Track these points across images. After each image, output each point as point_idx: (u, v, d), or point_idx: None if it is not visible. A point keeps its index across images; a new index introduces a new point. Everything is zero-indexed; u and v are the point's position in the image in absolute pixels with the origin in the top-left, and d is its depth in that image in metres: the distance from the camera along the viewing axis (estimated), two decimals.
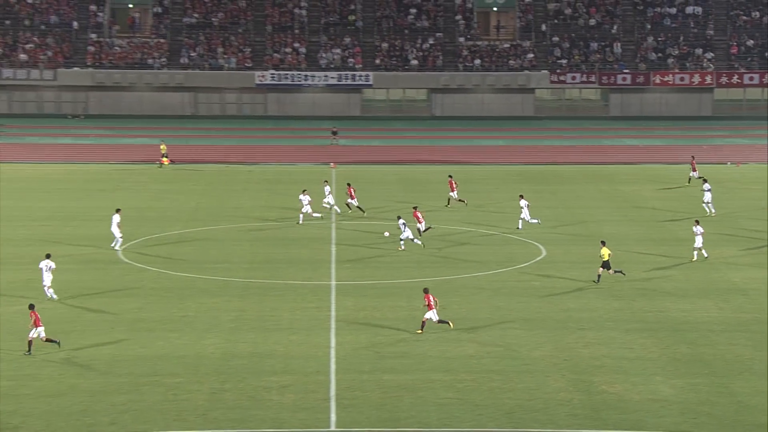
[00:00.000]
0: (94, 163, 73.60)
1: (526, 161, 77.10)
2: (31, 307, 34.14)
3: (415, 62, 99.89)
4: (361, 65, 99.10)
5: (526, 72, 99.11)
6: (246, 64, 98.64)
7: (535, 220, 53.03)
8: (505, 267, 45.97)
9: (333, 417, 29.46)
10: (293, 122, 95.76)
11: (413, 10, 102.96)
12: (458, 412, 29.77)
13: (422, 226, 49.95)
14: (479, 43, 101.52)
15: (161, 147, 72.64)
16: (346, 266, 45.85)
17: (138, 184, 65.67)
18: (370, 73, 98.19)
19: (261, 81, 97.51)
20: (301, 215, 53.73)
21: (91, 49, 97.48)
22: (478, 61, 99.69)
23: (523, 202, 52.91)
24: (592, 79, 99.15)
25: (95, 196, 61.20)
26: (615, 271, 42.92)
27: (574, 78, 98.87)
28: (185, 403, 30.11)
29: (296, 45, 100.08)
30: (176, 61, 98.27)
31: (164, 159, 71.79)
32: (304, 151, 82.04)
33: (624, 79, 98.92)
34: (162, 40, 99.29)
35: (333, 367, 33.20)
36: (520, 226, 52.73)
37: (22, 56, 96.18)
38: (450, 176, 60.80)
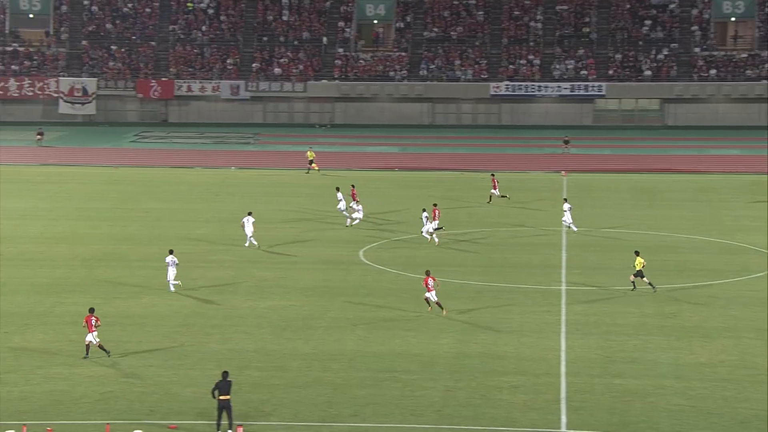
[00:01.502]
0: (339, 170, 75.57)
1: (763, 171, 73.68)
2: (91, 311, 33.69)
3: (648, 73, 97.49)
4: (594, 76, 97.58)
5: (765, 81, 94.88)
6: (482, 76, 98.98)
7: (575, 228, 52.03)
8: (740, 276, 44.14)
9: (564, 419, 29.12)
10: (526, 131, 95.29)
11: (648, 22, 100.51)
12: (690, 419, 28.83)
13: (435, 224, 50.19)
14: (715, 53, 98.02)
15: (309, 154, 73.45)
16: (576, 272, 45.22)
17: (378, 189, 66.99)
18: (603, 84, 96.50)
19: (496, 92, 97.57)
20: (349, 219, 53.68)
21: (338, 62, 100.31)
22: (713, 71, 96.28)
23: (566, 206, 52.61)
24: None
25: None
26: (649, 282, 41.02)
27: None
28: (421, 399, 30.50)
29: (531, 57, 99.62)
30: (416, 73, 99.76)
31: (312, 165, 72.64)
32: (536, 159, 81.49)
33: None
34: (403, 54, 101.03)
35: (563, 369, 32.83)
36: (570, 228, 52.19)
37: (277, 70, 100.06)
38: (492, 174, 61.86)
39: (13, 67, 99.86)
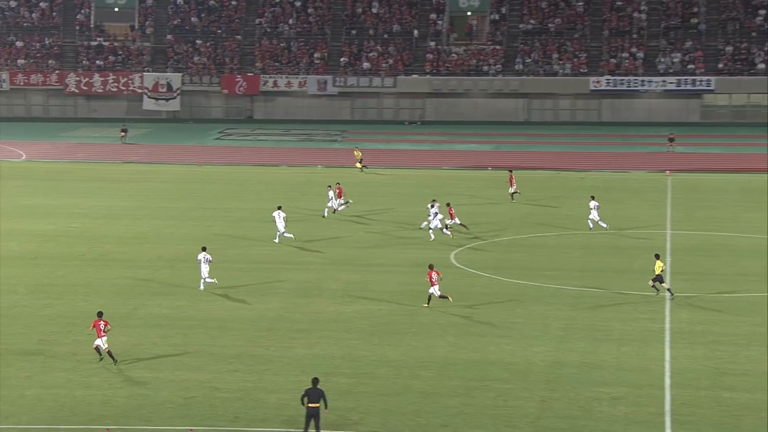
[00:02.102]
0: (429, 169, 75.57)
1: None
2: (100, 314, 33.88)
3: (762, 66, 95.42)
4: (702, 70, 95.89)
5: None
6: (581, 70, 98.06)
7: (591, 226, 52.95)
8: None
9: None
10: (628, 129, 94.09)
11: (762, 12, 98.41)
12: None
13: (456, 221, 52.08)
14: None
15: (356, 153, 74.03)
16: (682, 277, 44.46)
17: (470, 189, 66.79)
18: (712, 78, 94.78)
19: (596, 87, 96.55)
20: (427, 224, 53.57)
21: (430, 56, 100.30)
22: None
23: (593, 204, 53.34)
24: None
25: (429, 201, 62.79)
26: (667, 289, 40.76)
27: None
28: (515, 410, 30.30)
29: (633, 50, 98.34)
30: (511, 68, 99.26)
31: (357, 164, 73.07)
32: (639, 158, 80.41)
33: None
34: (498, 47, 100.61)
35: (668, 381, 32.32)
36: (591, 226, 53.06)
37: (366, 64, 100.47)
38: (510, 171, 62.92)
39: (97, 62, 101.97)
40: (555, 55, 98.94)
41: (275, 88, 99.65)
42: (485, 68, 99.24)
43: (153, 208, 60.39)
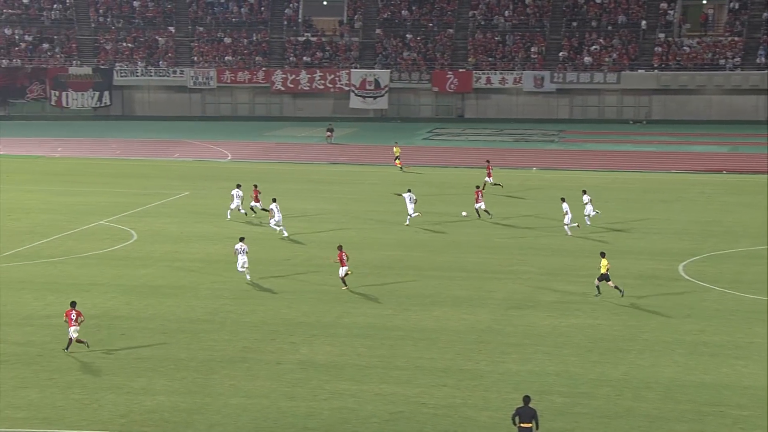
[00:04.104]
0: (655, 172, 74.14)
1: None
2: (73, 304, 36.24)
3: None
4: None
5: None
6: None
7: (588, 222, 54.01)
8: None
9: None
10: None
11: None
12: None
13: (479, 206, 56.66)
14: None
15: (395, 149, 74.93)
16: None
17: (702, 195, 65.12)
18: None
19: None
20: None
21: (659, 49, 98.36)
22: None
23: (585, 198, 54.85)
24: None
25: (654, 207, 61.63)
26: (615, 286, 41.88)
27: None
28: None
29: None
30: (752, 61, 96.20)
31: (397, 162, 73.85)
32: None
33: None
34: (737, 38, 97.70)
35: None
36: (588, 222, 54.48)
37: (587, 59, 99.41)
38: (488, 161, 66.51)
39: (305, 59, 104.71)
40: None
41: (488, 85, 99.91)
42: (722, 62, 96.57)
43: (359, 211, 61.52)
